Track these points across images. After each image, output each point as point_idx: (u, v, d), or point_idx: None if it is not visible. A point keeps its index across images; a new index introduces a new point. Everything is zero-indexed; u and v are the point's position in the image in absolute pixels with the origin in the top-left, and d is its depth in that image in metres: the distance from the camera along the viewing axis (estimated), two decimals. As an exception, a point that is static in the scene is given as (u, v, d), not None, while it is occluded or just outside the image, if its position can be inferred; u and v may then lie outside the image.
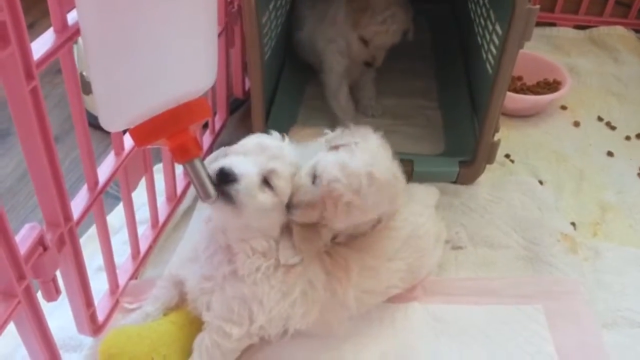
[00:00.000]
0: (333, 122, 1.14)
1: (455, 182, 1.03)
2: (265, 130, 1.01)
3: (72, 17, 0.59)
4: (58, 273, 0.64)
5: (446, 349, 0.77)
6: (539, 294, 0.84)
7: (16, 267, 0.55)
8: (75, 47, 0.62)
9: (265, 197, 0.65)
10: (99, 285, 0.78)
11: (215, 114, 1.12)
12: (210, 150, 1.06)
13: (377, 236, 0.76)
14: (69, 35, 0.58)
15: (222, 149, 0.71)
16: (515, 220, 0.96)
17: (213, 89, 1.06)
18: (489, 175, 1.04)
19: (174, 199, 0.96)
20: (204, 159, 0.64)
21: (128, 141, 0.76)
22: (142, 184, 0.86)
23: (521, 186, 1.03)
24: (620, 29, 1.53)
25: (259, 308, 0.67)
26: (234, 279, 0.68)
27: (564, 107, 1.27)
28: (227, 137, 1.12)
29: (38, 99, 0.54)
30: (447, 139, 1.13)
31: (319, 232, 0.68)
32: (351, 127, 0.74)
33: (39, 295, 0.62)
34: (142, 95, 0.56)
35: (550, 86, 1.27)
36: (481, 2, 1.11)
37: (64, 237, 0.64)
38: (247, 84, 1.22)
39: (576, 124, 1.23)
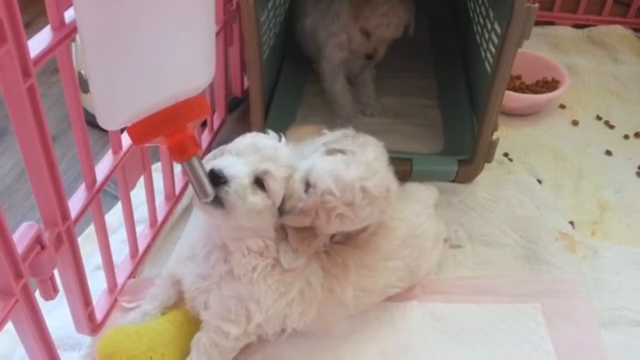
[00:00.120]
0: (332, 120, 1.14)
1: (453, 181, 1.03)
2: (264, 129, 1.02)
3: (69, 14, 0.58)
4: (56, 272, 0.64)
5: (445, 348, 0.77)
6: (538, 292, 0.84)
7: (14, 265, 0.55)
8: (73, 45, 0.62)
9: (256, 199, 0.64)
10: (97, 284, 0.78)
11: (213, 112, 1.12)
12: (209, 149, 1.06)
13: (375, 235, 0.76)
14: (66, 33, 0.58)
15: (221, 148, 0.71)
16: (513, 219, 0.96)
17: (211, 87, 1.06)
18: (488, 174, 1.05)
19: (173, 198, 0.95)
20: (202, 157, 0.64)
21: (126, 140, 0.76)
22: (141, 182, 0.86)
23: (520, 185, 1.03)
24: (619, 28, 1.53)
25: (256, 307, 0.67)
26: (231, 278, 0.68)
27: (562, 106, 1.27)
28: (225, 136, 1.12)
29: (35, 97, 0.54)
30: (446, 138, 1.13)
31: (315, 232, 0.68)
32: (351, 130, 0.74)
33: (37, 294, 0.62)
34: (139, 93, 0.56)
35: (549, 85, 1.27)
36: (480, 0, 1.11)
37: (61, 236, 0.63)
38: (246, 83, 1.22)
39: (575, 123, 1.23)
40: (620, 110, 1.27)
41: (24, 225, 0.58)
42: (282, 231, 0.69)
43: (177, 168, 0.96)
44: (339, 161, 0.67)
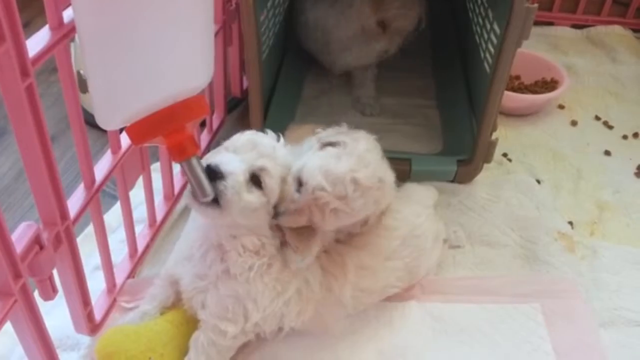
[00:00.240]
0: (331, 120, 1.14)
1: (453, 181, 1.03)
2: (263, 128, 1.01)
3: (68, 14, 0.58)
4: (55, 272, 0.64)
5: (444, 348, 0.77)
6: (537, 292, 0.84)
7: (12, 265, 0.55)
8: (71, 44, 0.62)
9: (252, 197, 0.64)
10: (96, 284, 0.78)
11: (212, 112, 1.12)
12: (208, 149, 1.06)
13: (375, 235, 0.76)
14: (65, 33, 0.58)
15: (218, 148, 0.71)
16: (512, 219, 0.96)
17: (210, 87, 1.06)
18: (487, 174, 1.05)
19: (172, 198, 0.95)
20: (201, 157, 0.64)
21: (125, 140, 0.76)
22: (140, 182, 0.86)
23: (519, 185, 1.03)
24: (618, 29, 1.53)
25: (253, 306, 0.67)
26: (227, 277, 0.68)
27: (561, 106, 1.27)
28: (225, 136, 1.11)
29: (34, 97, 0.54)
30: (445, 138, 1.13)
31: (313, 230, 0.68)
32: (345, 126, 0.74)
33: (36, 294, 0.61)
34: (139, 93, 0.56)
35: (548, 85, 1.27)
36: (479, 0, 1.11)
37: (60, 235, 0.63)
38: (245, 83, 1.22)
39: (574, 123, 1.23)
40: (619, 111, 1.27)
41: (22, 225, 0.58)
42: (278, 228, 0.68)
43: (176, 168, 0.96)
44: (329, 156, 0.67)
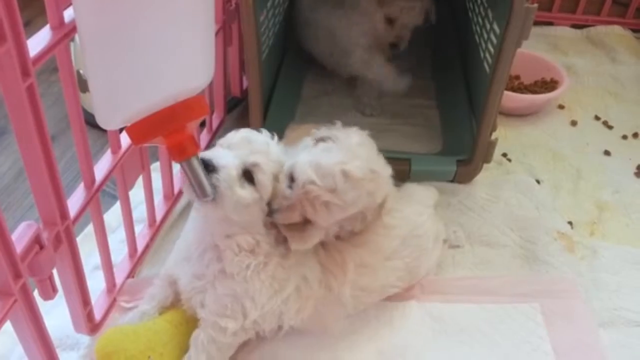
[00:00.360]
0: (331, 120, 1.14)
1: (452, 181, 1.03)
2: (262, 128, 1.01)
3: (68, 14, 0.58)
4: (55, 272, 0.64)
5: (444, 348, 0.77)
6: (536, 292, 0.84)
7: (12, 265, 0.55)
8: (72, 44, 0.62)
9: (244, 192, 0.64)
10: (96, 284, 0.78)
11: (212, 112, 1.12)
12: (208, 148, 1.06)
13: (374, 233, 0.76)
14: (66, 33, 0.58)
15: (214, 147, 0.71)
16: (512, 219, 0.96)
17: (210, 87, 1.06)
18: (486, 174, 1.05)
19: (171, 198, 0.95)
20: (200, 157, 0.64)
21: (125, 139, 0.76)
22: (139, 182, 0.86)
23: (518, 185, 1.03)
24: (617, 29, 1.54)
25: (252, 304, 0.67)
26: (224, 276, 0.68)
27: (561, 106, 1.27)
28: (224, 136, 1.12)
29: (34, 97, 0.54)
30: (444, 138, 1.13)
31: (304, 225, 0.68)
32: (339, 124, 0.73)
33: (36, 293, 0.61)
34: (139, 93, 0.56)
35: (548, 85, 1.27)
36: (479, 0, 1.11)
37: (60, 235, 0.63)
38: (245, 83, 1.22)
39: (573, 123, 1.23)
40: (619, 111, 1.28)
41: (22, 225, 0.58)
42: (273, 226, 0.69)
43: (176, 168, 0.96)
44: (319, 150, 0.68)
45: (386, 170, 0.71)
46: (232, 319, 0.68)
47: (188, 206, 0.98)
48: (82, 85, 0.99)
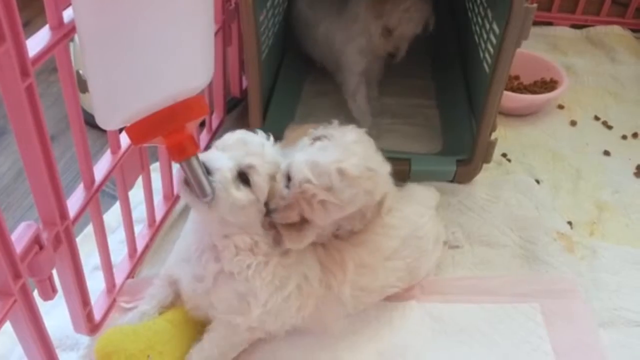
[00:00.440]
0: (331, 119, 1.14)
1: (452, 181, 1.03)
2: (262, 128, 1.01)
3: (68, 14, 0.58)
4: (54, 272, 0.64)
5: (443, 348, 0.77)
6: (536, 292, 0.84)
7: (12, 265, 0.55)
8: (71, 45, 0.62)
9: (240, 194, 0.64)
10: (95, 284, 0.78)
11: (212, 112, 1.12)
12: (207, 149, 1.06)
13: (374, 232, 0.76)
14: (65, 33, 0.58)
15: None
16: (512, 219, 0.96)
17: (210, 87, 1.06)
18: (486, 174, 1.05)
19: (171, 198, 0.95)
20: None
21: (124, 140, 0.76)
22: (139, 182, 0.86)
23: (518, 185, 1.03)
24: (617, 29, 1.54)
25: (254, 301, 0.68)
26: (225, 277, 0.68)
27: (560, 107, 1.27)
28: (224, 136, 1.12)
29: (34, 97, 0.54)
30: (444, 138, 1.13)
31: (302, 225, 0.68)
32: (336, 123, 0.73)
33: (36, 294, 0.61)
34: (138, 93, 0.56)
35: (547, 85, 1.27)
36: (479, 0, 1.11)
37: (60, 235, 0.63)
38: (245, 83, 1.22)
39: (573, 123, 1.23)
40: (619, 111, 1.28)
41: (22, 225, 0.58)
42: (272, 227, 0.69)
43: (176, 168, 0.96)
44: (315, 149, 0.67)
45: (384, 168, 0.71)
46: (241, 314, 0.69)
47: (187, 206, 0.97)
48: (82, 85, 0.99)
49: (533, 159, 1.12)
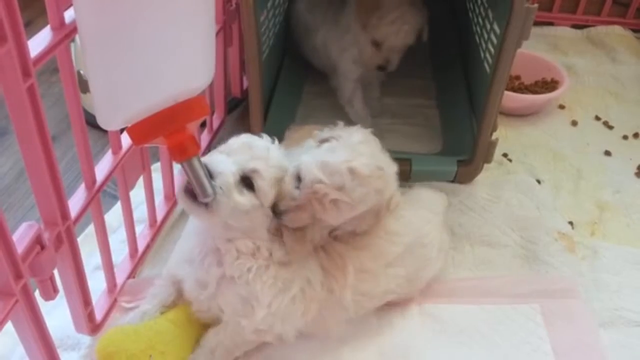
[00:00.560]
0: (332, 121, 1.14)
1: (453, 181, 1.03)
2: (263, 129, 1.01)
3: (69, 14, 0.58)
4: (56, 272, 0.64)
5: (444, 349, 0.77)
6: (536, 293, 0.84)
7: (13, 265, 0.55)
8: (72, 45, 0.62)
9: (242, 199, 0.64)
10: (96, 284, 0.78)
11: (213, 112, 1.12)
12: (208, 149, 1.06)
13: (377, 236, 0.75)
14: (66, 33, 0.58)
15: (215, 150, 0.71)
16: (513, 219, 0.96)
17: (211, 87, 1.06)
18: (487, 175, 1.05)
19: (172, 198, 0.95)
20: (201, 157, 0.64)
21: (126, 140, 0.76)
22: (140, 182, 0.86)
23: (519, 185, 1.03)
24: (618, 29, 1.54)
25: (257, 304, 0.68)
26: (227, 281, 0.68)
27: (561, 107, 1.27)
28: (225, 136, 1.11)
29: (35, 97, 0.54)
30: (445, 138, 1.13)
31: (308, 231, 0.68)
32: (341, 124, 0.74)
33: (37, 294, 0.62)
34: (139, 93, 0.56)
35: (548, 85, 1.27)
36: (479, 1, 1.11)
37: (61, 235, 0.63)
38: (245, 83, 1.22)
39: (574, 123, 1.23)
40: (619, 111, 1.28)
41: (23, 225, 0.58)
42: (278, 232, 0.69)
43: (177, 168, 0.96)
44: (324, 150, 0.68)
45: (392, 167, 0.71)
46: (247, 317, 0.69)
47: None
48: (83, 85, 0.99)
49: (534, 159, 1.12)
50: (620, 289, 0.87)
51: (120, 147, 0.75)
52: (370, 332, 0.79)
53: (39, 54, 0.55)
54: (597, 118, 1.25)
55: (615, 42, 1.49)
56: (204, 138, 1.07)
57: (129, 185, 0.80)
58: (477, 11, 1.13)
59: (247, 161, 0.65)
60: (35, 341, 0.61)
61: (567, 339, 0.78)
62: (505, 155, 1.12)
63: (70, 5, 0.57)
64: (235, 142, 0.68)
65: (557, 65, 1.28)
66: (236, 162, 0.65)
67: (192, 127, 0.61)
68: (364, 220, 0.72)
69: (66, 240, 0.64)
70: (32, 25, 1.29)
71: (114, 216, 0.94)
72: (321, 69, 1.24)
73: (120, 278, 0.82)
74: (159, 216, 0.92)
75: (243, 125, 1.16)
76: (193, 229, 0.74)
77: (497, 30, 0.92)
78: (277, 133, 0.75)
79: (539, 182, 1.06)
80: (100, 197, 0.72)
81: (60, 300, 0.69)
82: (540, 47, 1.46)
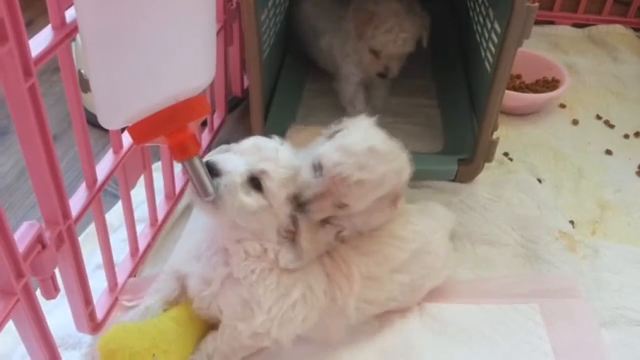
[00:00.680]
0: (333, 121, 1.14)
1: (454, 181, 1.03)
2: (264, 128, 1.02)
3: (70, 14, 0.58)
4: (57, 271, 0.64)
5: (444, 349, 0.77)
6: (537, 292, 0.84)
7: (15, 265, 0.55)
8: (73, 44, 0.62)
9: (249, 199, 0.64)
10: (98, 283, 0.79)
11: (214, 112, 1.12)
12: (209, 148, 1.06)
13: (384, 243, 0.75)
14: (68, 33, 0.58)
15: (222, 147, 0.71)
16: (514, 218, 0.96)
17: (212, 87, 1.06)
18: (488, 174, 1.05)
19: (173, 197, 0.96)
20: (202, 157, 0.64)
21: (127, 139, 0.76)
22: (141, 182, 0.86)
23: (520, 185, 1.03)
24: (619, 28, 1.53)
25: (258, 308, 0.67)
26: (232, 282, 0.68)
27: (563, 106, 1.27)
28: (226, 136, 1.12)
29: (36, 97, 0.54)
30: (446, 138, 1.13)
31: (323, 230, 0.68)
32: (345, 120, 0.74)
33: (38, 293, 0.62)
34: (141, 93, 0.56)
35: (549, 85, 1.27)
36: (480, 0, 1.11)
37: (62, 235, 0.64)
38: (246, 82, 1.22)
39: (575, 122, 1.23)
40: (621, 110, 1.27)
41: (25, 225, 0.58)
42: (289, 235, 0.68)
43: (178, 167, 0.97)
44: (339, 137, 0.69)
45: (404, 151, 0.72)
46: (245, 322, 0.68)
47: (189, 206, 0.98)
48: (84, 85, 0.99)
49: (535, 158, 1.12)
50: (622, 288, 0.87)
51: (121, 146, 0.76)
52: (370, 332, 0.79)
53: (40, 53, 0.55)
54: (599, 117, 1.25)
55: (616, 42, 1.49)
56: (205, 137, 1.07)
57: (130, 185, 0.80)
58: (478, 10, 1.13)
59: (257, 162, 0.65)
60: (36, 340, 0.61)
61: (568, 338, 0.78)
62: (506, 154, 1.12)
63: (72, 5, 0.57)
64: (246, 143, 0.69)
65: (558, 64, 1.28)
66: (247, 163, 0.65)
67: (193, 126, 0.62)
68: (381, 210, 0.72)
69: (67, 239, 0.64)
70: (34, 25, 1.30)
71: (115, 215, 0.94)
72: (325, 68, 1.24)
73: (121, 277, 0.82)
74: (160, 215, 0.92)
75: (244, 124, 1.16)
76: (202, 225, 0.74)
77: (498, 30, 0.92)
78: (279, 132, 0.75)
79: (540, 181, 1.06)
80: (101, 197, 0.72)
81: (62, 299, 0.69)
82: (542, 47, 1.46)
